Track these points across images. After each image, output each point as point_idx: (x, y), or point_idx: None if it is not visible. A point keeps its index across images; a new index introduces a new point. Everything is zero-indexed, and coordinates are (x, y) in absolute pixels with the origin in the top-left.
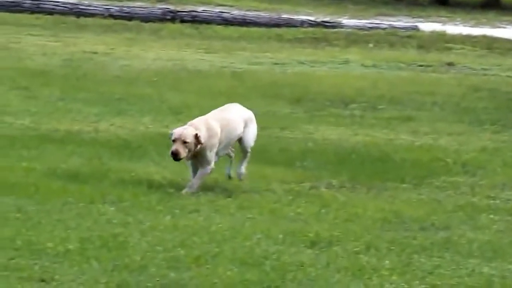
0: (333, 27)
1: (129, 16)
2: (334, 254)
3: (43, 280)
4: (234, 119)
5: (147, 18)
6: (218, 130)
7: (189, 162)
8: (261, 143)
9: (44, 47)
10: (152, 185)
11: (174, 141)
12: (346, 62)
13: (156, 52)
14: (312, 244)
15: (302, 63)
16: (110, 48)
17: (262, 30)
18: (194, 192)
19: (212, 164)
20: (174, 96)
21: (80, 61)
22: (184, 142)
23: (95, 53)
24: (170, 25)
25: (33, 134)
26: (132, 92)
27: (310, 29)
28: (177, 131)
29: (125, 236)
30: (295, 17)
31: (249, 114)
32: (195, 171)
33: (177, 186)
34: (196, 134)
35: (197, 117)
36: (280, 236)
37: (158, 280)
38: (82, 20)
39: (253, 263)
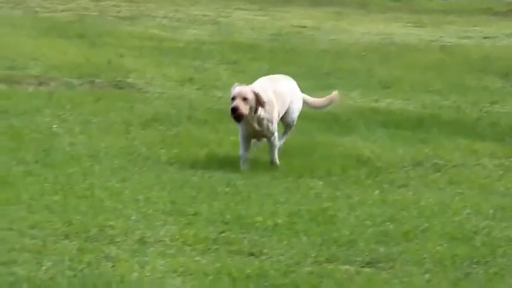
0: None
1: None
2: None
3: (252, 254)
4: (285, 91)
5: None
6: (274, 100)
7: (243, 137)
8: (472, 117)
9: (253, 21)
10: (360, 160)
11: (233, 98)
12: None
13: (365, 26)
14: None
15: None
16: (318, 22)
17: (471, 2)
18: (275, 165)
19: (276, 133)
20: (383, 70)
21: (288, 35)
22: (244, 99)
23: (304, 27)
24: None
25: None
26: (340, 66)
27: None
28: (235, 89)
29: (334, 210)
30: None
31: (293, 85)
32: (245, 148)
33: (386, 161)
34: (255, 91)
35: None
36: (491, 211)
37: (367, 255)
38: None
39: (463, 238)
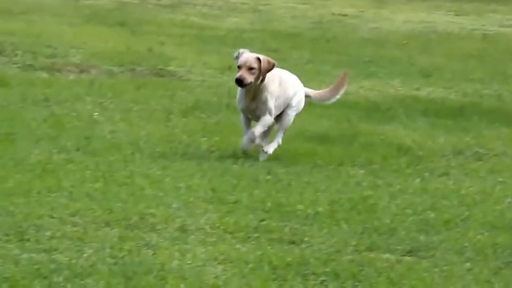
0: None
1: None
2: None
3: (293, 242)
4: (287, 81)
5: None
6: (277, 81)
7: (242, 114)
8: None
9: (293, 9)
10: (401, 148)
11: (239, 67)
12: None
13: (406, 15)
14: None
15: None
16: (360, 10)
17: None
18: (253, 140)
19: (273, 115)
20: (424, 58)
21: (329, 24)
22: (250, 68)
23: (345, 15)
24: None
25: None
26: (381, 54)
27: None
28: (241, 58)
29: (375, 199)
30: None
31: (299, 88)
32: (247, 124)
33: (427, 149)
34: (260, 58)
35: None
36: None
37: (407, 243)
38: None
39: (504, 227)
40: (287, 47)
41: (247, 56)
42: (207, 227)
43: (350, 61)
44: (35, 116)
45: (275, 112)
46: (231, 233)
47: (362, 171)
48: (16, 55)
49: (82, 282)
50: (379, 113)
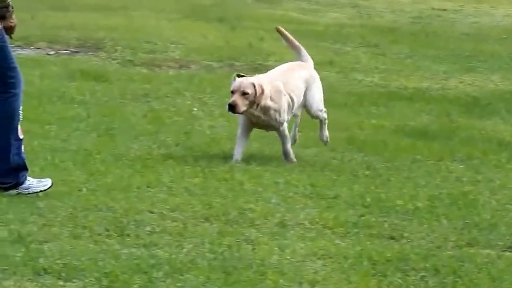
0: None
1: None
2: None
3: (392, 238)
4: (297, 80)
5: None
6: (283, 90)
7: (243, 124)
8: None
9: (393, 4)
10: (501, 143)
11: (232, 92)
12: None
13: (506, 9)
14: None
15: None
16: (459, 5)
17: None
18: (292, 160)
19: (286, 121)
20: None
21: (429, 18)
22: (243, 94)
23: (444, 10)
24: None
25: (381, 91)
26: (481, 49)
27: None
28: (235, 82)
29: (475, 194)
30: None
31: (310, 74)
32: (244, 135)
33: None
34: (255, 84)
35: None
36: None
37: (508, 239)
38: None
39: None
40: (387, 42)
41: (241, 80)
42: (306, 222)
43: (450, 55)
44: (134, 112)
45: (294, 110)
46: (330, 228)
47: (462, 166)
48: (115, 50)
49: (181, 277)
50: (479, 108)
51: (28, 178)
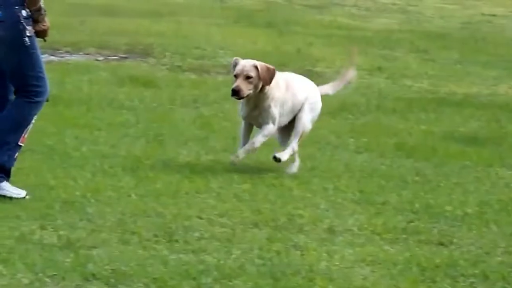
0: None
1: None
2: None
3: (441, 244)
4: (296, 85)
5: None
6: (283, 86)
7: (244, 123)
8: None
9: (442, 9)
10: None
11: (235, 76)
12: None
13: None
14: None
15: None
16: (509, 10)
17: None
18: (253, 150)
19: (276, 123)
20: None
21: (479, 24)
22: (247, 77)
23: (494, 15)
24: None
25: (431, 97)
26: None
27: None
28: (238, 66)
29: None
30: None
31: (311, 90)
32: (246, 136)
33: None
34: (258, 66)
35: None
36: None
37: None
38: None
39: None
40: (436, 47)
41: (244, 64)
42: (355, 228)
43: (500, 61)
44: (183, 118)
45: (283, 120)
46: (379, 234)
47: (510, 172)
48: (164, 56)
49: (230, 283)
50: None
51: (6, 183)
